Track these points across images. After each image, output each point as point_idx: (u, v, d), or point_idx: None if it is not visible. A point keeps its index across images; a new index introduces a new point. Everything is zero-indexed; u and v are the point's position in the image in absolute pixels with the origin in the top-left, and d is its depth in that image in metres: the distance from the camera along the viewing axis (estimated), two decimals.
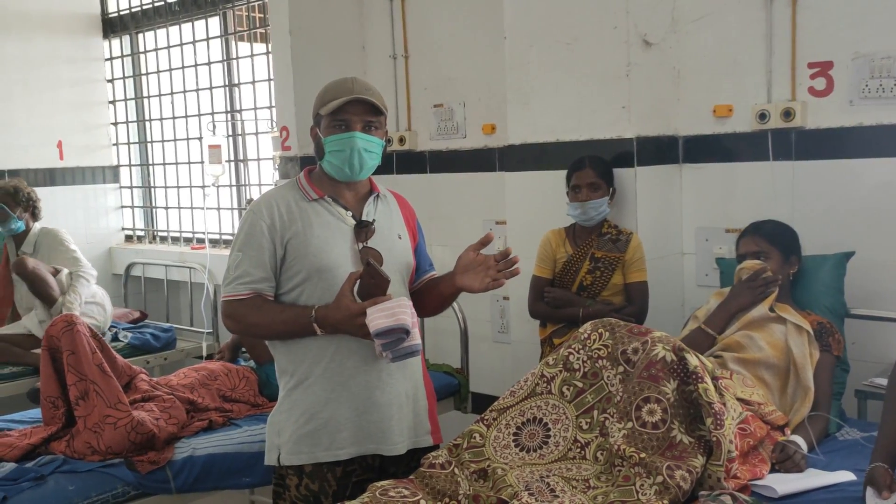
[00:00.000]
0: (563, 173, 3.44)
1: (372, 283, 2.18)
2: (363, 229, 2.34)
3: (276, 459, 2.35)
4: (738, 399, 2.43)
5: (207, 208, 5.60)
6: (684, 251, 3.68)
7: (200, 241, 5.74)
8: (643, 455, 2.09)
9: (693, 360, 2.21)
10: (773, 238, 2.79)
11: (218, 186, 4.93)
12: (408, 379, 2.39)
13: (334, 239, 2.31)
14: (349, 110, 2.28)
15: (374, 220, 2.37)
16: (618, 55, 3.40)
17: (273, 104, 4.98)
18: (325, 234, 2.30)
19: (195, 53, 5.62)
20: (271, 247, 2.27)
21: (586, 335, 2.44)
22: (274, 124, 4.64)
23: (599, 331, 2.42)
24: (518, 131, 3.74)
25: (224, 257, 5.30)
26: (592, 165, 3.28)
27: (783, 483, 2.15)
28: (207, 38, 5.52)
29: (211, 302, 5.12)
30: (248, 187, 5.38)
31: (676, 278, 3.66)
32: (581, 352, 2.42)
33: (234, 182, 5.41)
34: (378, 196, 2.45)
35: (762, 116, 3.34)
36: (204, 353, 4.88)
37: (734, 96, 3.47)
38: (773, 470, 2.28)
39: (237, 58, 5.39)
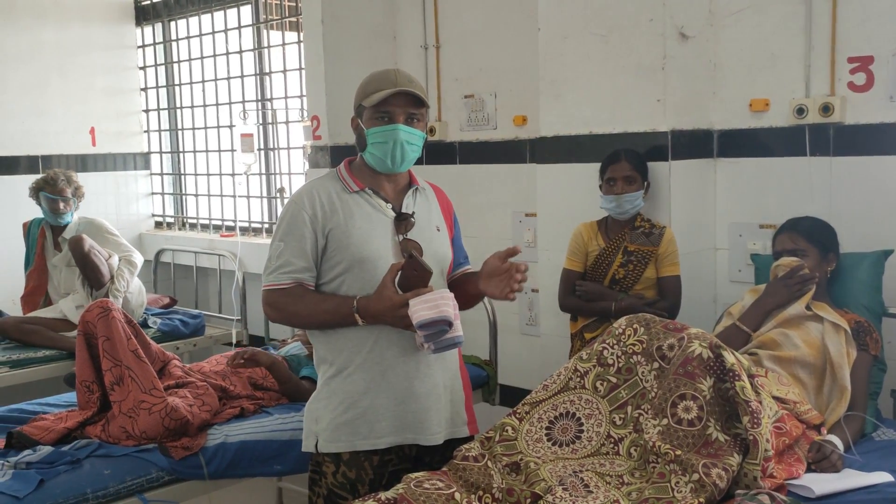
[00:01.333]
0: (595, 166, 3.42)
1: (414, 275, 2.19)
2: (403, 221, 2.36)
3: (314, 446, 2.37)
4: (774, 397, 2.41)
5: (238, 196, 5.64)
6: (717, 246, 3.65)
7: (230, 228, 5.78)
8: (679, 452, 2.08)
9: (730, 357, 2.19)
10: (810, 235, 2.76)
11: (249, 175, 4.95)
12: (446, 370, 2.41)
13: (375, 230, 2.32)
14: (392, 102, 2.29)
15: (413, 213, 2.39)
16: (654, 48, 3.37)
17: (304, 93, 4.99)
18: (366, 225, 2.32)
19: (227, 41, 5.64)
20: (313, 237, 2.29)
21: (621, 330, 2.42)
22: (305, 113, 4.64)
23: (634, 326, 2.41)
24: (551, 123, 3.72)
25: (254, 245, 5.37)
26: (628, 158, 3.26)
27: (820, 483, 2.13)
28: (239, 27, 5.54)
29: (240, 289, 5.15)
30: (280, 176, 5.40)
31: (709, 274, 3.63)
32: (615, 347, 2.41)
33: (264, 171, 5.43)
34: (417, 189, 2.46)
35: (800, 111, 3.29)
36: (233, 340, 4.92)
37: (771, 91, 3.43)
38: (809, 470, 2.26)
39: (269, 46, 5.41)
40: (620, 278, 3.27)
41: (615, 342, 2.41)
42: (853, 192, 3.23)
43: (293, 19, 5.28)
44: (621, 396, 2.35)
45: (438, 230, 2.46)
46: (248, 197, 5.55)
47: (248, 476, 2.94)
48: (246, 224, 5.60)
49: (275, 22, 5.44)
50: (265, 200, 5.52)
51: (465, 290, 2.42)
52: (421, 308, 2.12)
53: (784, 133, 3.39)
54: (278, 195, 4.62)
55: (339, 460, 2.33)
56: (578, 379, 2.42)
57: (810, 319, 2.65)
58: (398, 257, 2.30)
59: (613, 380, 2.38)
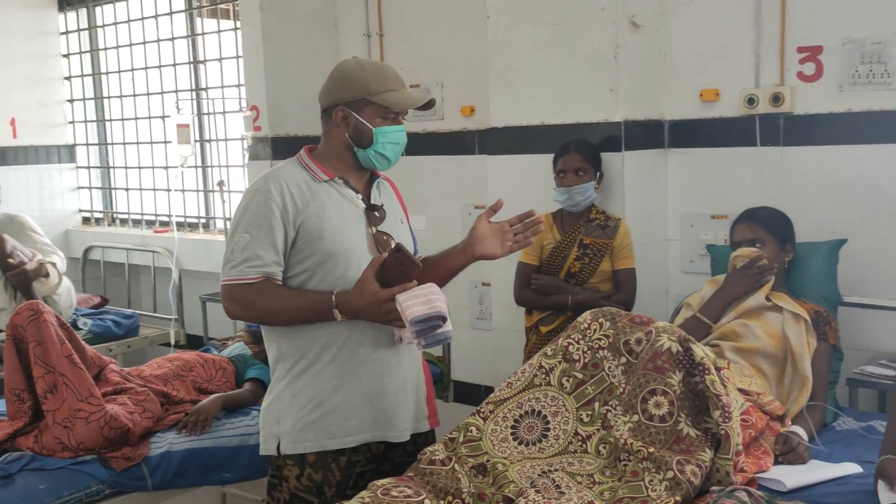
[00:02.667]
0: (548, 157, 3.37)
1: (399, 269, 2.08)
2: (373, 213, 2.27)
3: (276, 449, 2.25)
4: (738, 389, 2.38)
5: (172, 190, 5.42)
6: (669, 237, 3.63)
7: (164, 223, 5.56)
8: (651, 449, 2.03)
9: (699, 350, 2.15)
10: (768, 225, 2.75)
11: (185, 167, 4.76)
12: (413, 365, 2.34)
13: (348, 223, 2.23)
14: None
15: (382, 204, 2.31)
16: (606, 37, 3.33)
17: (242, 82, 4.81)
18: (338, 217, 2.22)
19: (157, 28, 5.41)
20: (282, 229, 2.16)
21: (586, 325, 2.36)
22: (243, 103, 4.47)
23: (600, 320, 2.36)
24: (501, 114, 3.65)
25: (190, 241, 5.16)
26: (578, 149, 3.21)
27: (790, 476, 2.11)
28: (171, 13, 5.31)
29: (176, 287, 4.94)
30: (216, 169, 5.20)
31: (661, 265, 3.62)
32: (581, 342, 2.35)
33: (199, 163, 5.23)
34: (379, 180, 2.36)
35: (750, 101, 3.29)
36: (172, 341, 4.72)
37: (721, 81, 3.42)
38: (776, 462, 2.25)
39: (203, 33, 5.20)
40: (576, 271, 3.22)
41: (581, 337, 2.35)
42: (803, 181, 3.24)
43: (226, 6, 5.08)
44: (588, 392, 2.30)
45: (402, 222, 2.39)
46: (182, 191, 5.34)
47: (196, 486, 2.81)
48: (181, 219, 5.38)
49: (208, 9, 5.23)
50: (201, 194, 5.32)
51: (447, 266, 2.31)
52: (414, 303, 2.03)
53: (735, 123, 3.39)
54: (218, 189, 4.43)
55: (304, 462, 2.23)
56: (543, 375, 2.35)
57: (770, 310, 2.64)
58: (372, 251, 2.22)
59: (580, 376, 2.32)
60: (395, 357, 2.25)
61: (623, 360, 2.27)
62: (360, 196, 2.27)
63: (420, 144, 4.32)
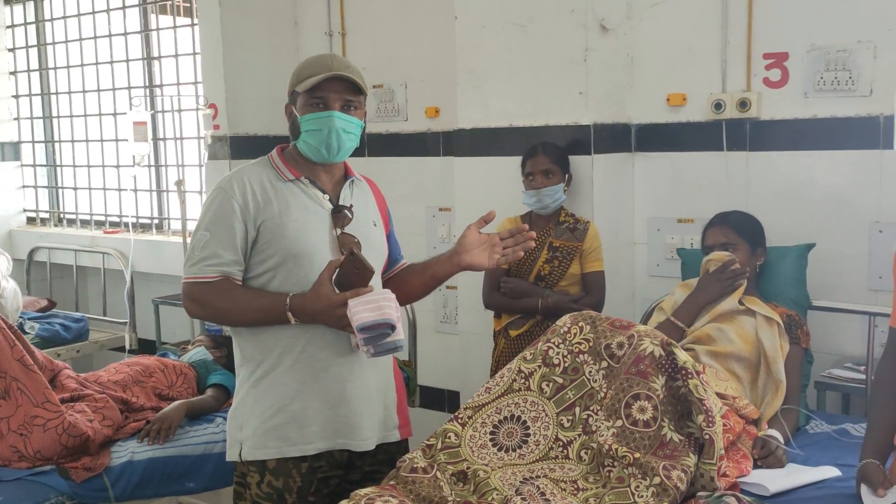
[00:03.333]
0: (516, 160, 3.35)
1: (354, 273, 2.06)
2: (340, 214, 2.22)
3: (238, 455, 2.20)
4: (715, 393, 2.38)
5: (125, 190, 5.26)
6: (635, 241, 3.64)
7: (114, 224, 5.39)
8: (637, 455, 2.01)
9: (682, 355, 2.15)
10: (740, 229, 2.77)
11: (141, 166, 4.61)
12: (380, 372, 2.29)
13: (311, 223, 2.18)
14: (327, 88, 2.16)
15: (351, 205, 2.25)
16: (575, 39, 3.32)
17: (198, 80, 4.69)
18: (302, 217, 2.17)
19: (109, 23, 5.25)
20: (243, 228, 2.13)
21: (566, 329, 2.34)
22: (200, 101, 4.36)
23: (580, 324, 2.33)
24: (469, 115, 3.62)
25: (143, 242, 5.01)
26: (546, 152, 3.19)
27: (771, 480, 2.11)
28: (124, 7, 5.15)
29: (129, 290, 4.79)
30: (170, 168, 5.05)
31: (627, 268, 3.62)
32: (561, 346, 2.32)
33: (153, 162, 5.08)
34: (353, 180, 2.31)
35: (717, 106, 3.32)
36: (127, 346, 4.58)
37: (688, 85, 3.44)
38: (755, 465, 2.25)
39: (158, 29, 5.05)
40: (546, 274, 3.20)
41: (560, 341, 2.33)
42: (769, 186, 3.28)
43: (182, 3, 4.94)
44: (568, 397, 2.27)
45: (375, 225, 2.34)
46: (135, 190, 5.18)
47: (159, 496, 2.70)
48: (134, 220, 5.22)
49: (160, 4, 5.09)
50: (154, 194, 5.17)
51: (432, 274, 2.32)
52: (362, 309, 1.99)
53: (701, 128, 3.41)
54: (176, 189, 4.31)
55: (265, 469, 2.17)
56: (523, 380, 2.32)
57: (743, 314, 2.65)
58: (335, 253, 2.17)
59: (559, 380, 2.29)
60: (357, 363, 2.20)
61: (604, 364, 2.25)
62: (327, 196, 2.22)
63: (383, 145, 4.27)
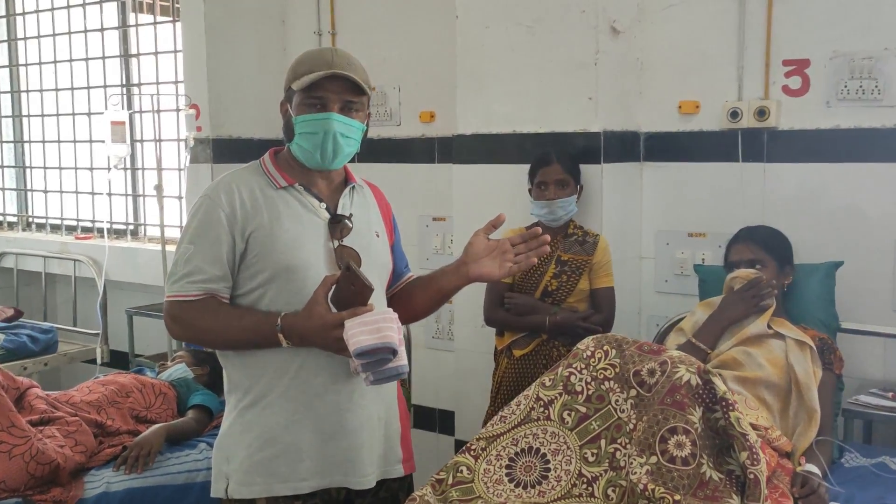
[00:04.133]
0: (519, 168, 3.18)
1: (351, 291, 1.84)
2: (338, 225, 2.01)
3: (224, 491, 1.98)
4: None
5: (100, 194, 4.99)
6: (643, 255, 3.46)
7: (87, 229, 5.13)
8: (677, 497, 1.82)
9: (721, 384, 1.97)
10: (768, 245, 2.59)
11: (117, 169, 4.37)
12: (382, 400, 2.06)
13: (306, 234, 1.97)
14: (327, 87, 1.95)
15: (350, 215, 2.04)
16: (585, 41, 3.14)
17: (179, 79, 4.46)
18: (295, 228, 1.96)
19: (85, 18, 4.99)
20: (230, 240, 1.92)
21: (589, 353, 2.15)
22: (181, 101, 4.13)
23: (605, 348, 2.14)
24: (469, 120, 3.42)
25: (118, 249, 4.75)
26: (560, 160, 3.00)
27: None
28: (101, 1, 4.90)
29: (101, 300, 4.53)
30: (147, 171, 4.80)
31: (633, 284, 3.44)
32: (584, 372, 2.13)
33: (128, 165, 4.83)
34: (354, 187, 2.10)
35: (734, 114, 3.15)
36: (98, 359, 4.32)
37: (702, 92, 3.27)
38: None
39: (136, 25, 4.81)
40: (553, 290, 3.01)
41: (583, 366, 2.14)
42: (787, 200, 3.12)
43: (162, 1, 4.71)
44: (593, 428, 2.08)
45: (378, 236, 2.12)
46: (110, 194, 4.92)
47: None
48: (108, 225, 4.95)
49: (141, 2, 4.85)
50: (131, 199, 4.92)
51: (438, 288, 2.10)
52: (360, 331, 1.78)
53: (715, 137, 3.24)
54: (155, 193, 4.06)
55: None
56: (542, 409, 2.13)
57: (772, 337, 2.48)
58: (332, 267, 1.95)
59: (583, 409, 2.10)
60: (357, 390, 1.97)
61: (633, 392, 2.06)
62: (323, 205, 2.01)
63: (374, 151, 4.05)
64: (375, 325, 1.79)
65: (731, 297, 2.55)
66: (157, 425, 2.69)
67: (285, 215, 1.96)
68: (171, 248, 4.42)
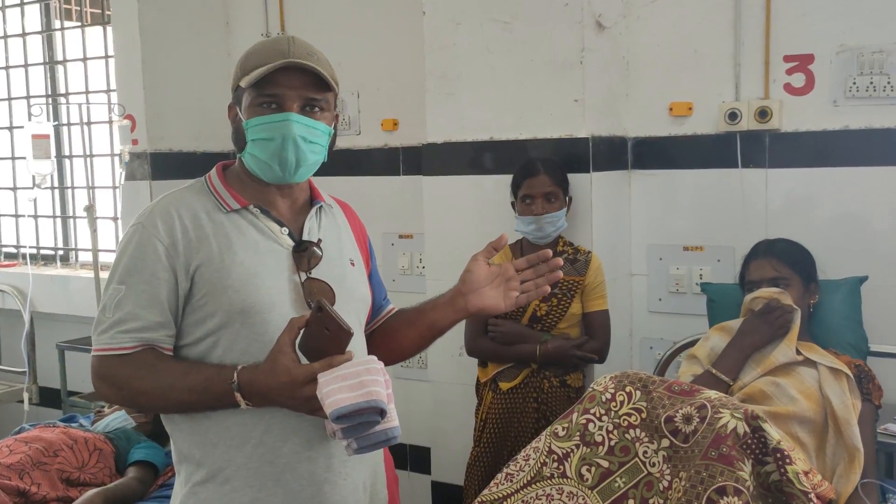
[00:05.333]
0: (498, 178, 2.89)
1: (325, 336, 1.46)
2: (305, 253, 1.64)
3: None
4: None
5: (24, 216, 4.52)
6: (633, 272, 3.17)
7: (10, 256, 4.65)
8: None
9: (773, 431, 1.66)
10: (791, 261, 2.31)
11: (42, 188, 3.93)
12: (366, 465, 1.69)
13: (265, 267, 1.59)
14: (283, 82, 1.58)
15: (319, 240, 1.67)
16: (570, 38, 2.84)
17: (112, 87, 4.04)
18: (251, 260, 1.58)
19: (4, 23, 4.53)
20: (171, 278, 1.54)
21: (609, 395, 1.83)
22: (115, 111, 3.71)
23: (627, 389, 1.82)
24: (440, 127, 3.09)
25: (45, 277, 4.30)
26: (548, 171, 2.69)
27: None
28: (22, 4, 4.45)
29: (28, 333, 4.07)
30: (85, 190, 4.35)
31: (624, 303, 3.14)
32: (604, 418, 1.80)
33: (56, 183, 4.38)
34: (322, 206, 1.74)
35: (732, 116, 2.88)
36: (25, 400, 3.86)
37: (695, 93, 3.01)
38: None
39: (62, 28, 4.37)
40: (542, 315, 2.69)
41: (603, 412, 1.81)
42: (792, 209, 2.86)
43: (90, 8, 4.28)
44: (618, 486, 1.75)
45: (353, 264, 1.74)
46: (35, 216, 4.46)
47: None
48: (34, 251, 4.49)
49: (67, 8, 4.41)
50: (59, 221, 4.46)
51: (429, 324, 1.75)
52: (339, 388, 1.41)
53: (711, 141, 2.98)
54: (85, 214, 3.64)
55: None
56: (556, 464, 1.79)
57: (802, 364, 2.19)
58: (300, 306, 1.59)
59: (605, 464, 1.77)
60: (337, 456, 1.61)
61: (665, 443, 1.74)
62: (286, 230, 1.65)
63: (330, 163, 3.67)
64: (357, 378, 1.43)
65: (751, 320, 2.25)
66: (92, 491, 2.28)
67: (238, 245, 1.58)
68: (105, 274, 4.01)
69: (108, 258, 3.92)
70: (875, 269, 2.65)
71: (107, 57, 4.09)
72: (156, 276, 1.53)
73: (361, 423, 1.42)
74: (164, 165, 3.70)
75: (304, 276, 1.62)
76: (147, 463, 2.47)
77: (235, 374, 1.49)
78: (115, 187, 3.99)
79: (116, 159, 3.79)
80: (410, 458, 3.63)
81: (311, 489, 1.58)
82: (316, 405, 1.44)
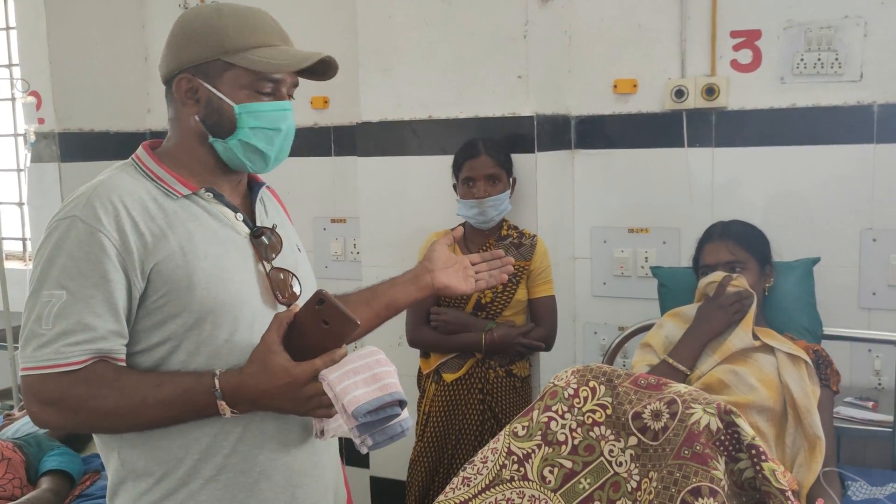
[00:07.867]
0: (438, 159, 2.74)
1: (321, 331, 1.31)
2: (260, 240, 1.47)
3: None
4: None
5: None
6: (577, 255, 3.07)
7: None
8: None
9: (747, 427, 1.56)
10: (747, 243, 2.22)
11: None
12: (334, 463, 1.59)
13: (230, 259, 1.42)
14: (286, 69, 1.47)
15: (274, 226, 1.52)
16: (512, 11, 2.72)
17: (14, 61, 3.74)
18: (216, 251, 1.41)
19: None
20: (123, 279, 1.33)
21: (571, 391, 1.70)
22: (18, 87, 3.42)
23: (591, 384, 1.70)
24: (375, 106, 2.93)
25: None
26: (490, 152, 2.55)
27: None
28: None
29: None
30: None
31: (567, 287, 3.04)
32: (567, 416, 1.68)
33: None
34: (262, 190, 1.57)
35: (679, 94, 2.80)
36: None
37: (639, 69, 2.93)
38: None
39: None
40: (487, 303, 2.56)
41: (566, 409, 1.69)
42: (739, 189, 2.81)
43: None
44: (582, 488, 1.63)
45: (300, 250, 1.61)
46: None
47: None
48: None
49: None
50: None
51: (387, 301, 1.70)
52: (353, 384, 1.30)
53: (656, 120, 2.90)
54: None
55: None
56: (516, 466, 1.66)
57: (759, 351, 2.11)
58: (268, 299, 1.44)
59: (568, 464, 1.65)
60: (311, 459, 1.48)
61: (633, 441, 1.62)
62: (240, 215, 1.47)
63: None
64: (370, 371, 1.33)
65: (707, 306, 2.16)
66: None
67: (198, 235, 1.39)
68: (11, 264, 3.71)
69: (13, 247, 3.64)
70: (822, 250, 2.60)
71: (8, 28, 3.79)
72: (106, 277, 1.31)
73: (381, 418, 1.32)
74: (74, 146, 3.44)
75: (268, 266, 1.46)
76: (62, 472, 2.25)
77: (216, 381, 1.31)
78: (19, 170, 3.70)
79: (21, 140, 3.49)
80: (346, 451, 3.47)
81: (284, 495, 1.44)
82: (316, 405, 1.33)
